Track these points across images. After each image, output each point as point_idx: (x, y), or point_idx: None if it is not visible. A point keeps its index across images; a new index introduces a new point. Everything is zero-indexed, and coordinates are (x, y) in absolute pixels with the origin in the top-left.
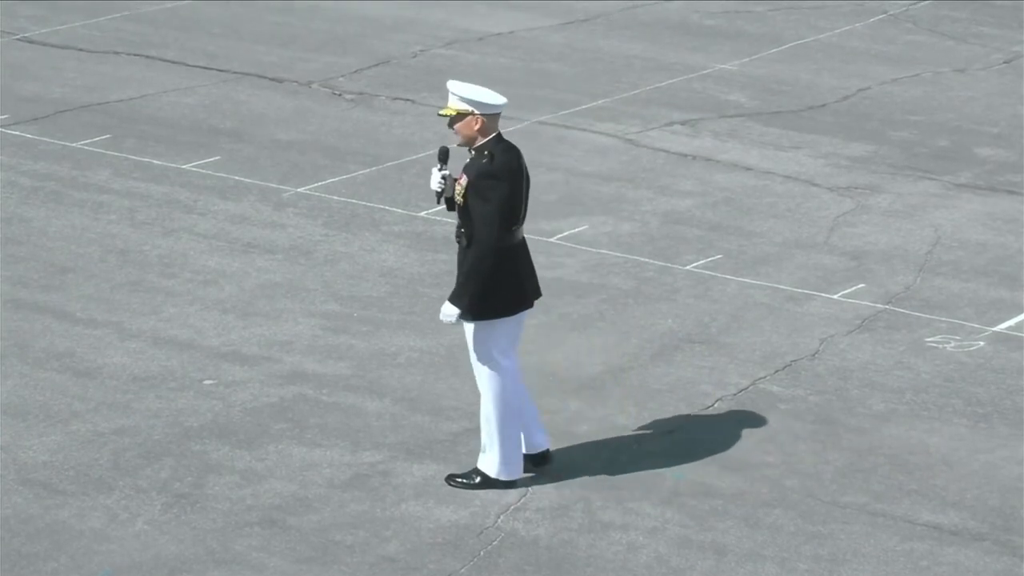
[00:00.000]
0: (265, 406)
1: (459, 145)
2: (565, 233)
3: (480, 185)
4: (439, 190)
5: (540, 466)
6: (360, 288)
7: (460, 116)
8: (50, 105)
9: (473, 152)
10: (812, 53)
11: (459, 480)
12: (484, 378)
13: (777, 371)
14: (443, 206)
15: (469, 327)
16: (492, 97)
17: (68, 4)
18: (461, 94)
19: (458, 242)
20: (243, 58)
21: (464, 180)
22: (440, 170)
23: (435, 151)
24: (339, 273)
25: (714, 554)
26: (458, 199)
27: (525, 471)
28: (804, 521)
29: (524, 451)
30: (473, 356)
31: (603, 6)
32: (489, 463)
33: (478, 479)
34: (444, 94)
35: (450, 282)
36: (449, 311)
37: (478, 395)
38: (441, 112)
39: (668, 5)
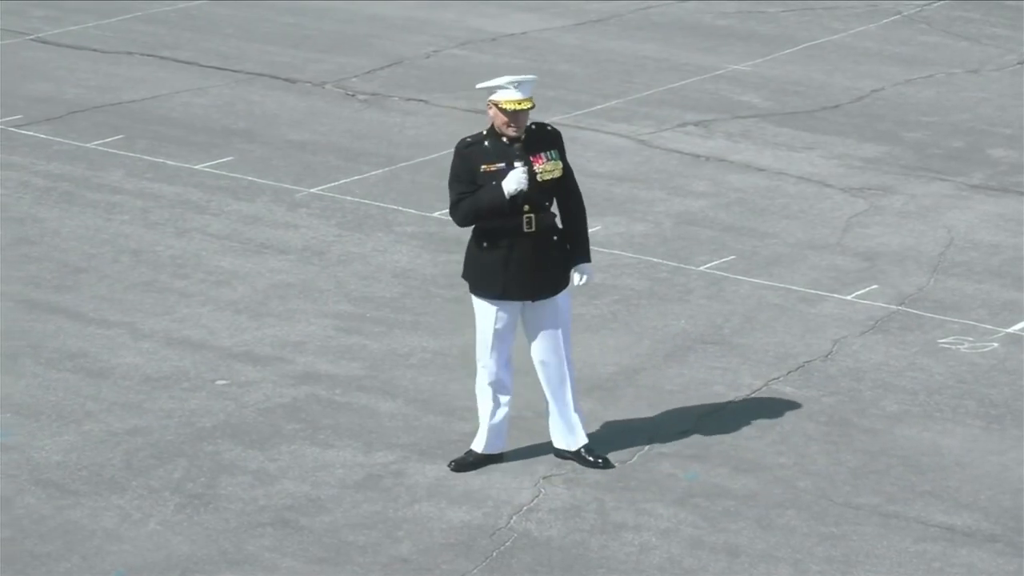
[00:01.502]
0: (278, 406)
1: (515, 134)
2: None
3: (563, 147)
4: (526, 187)
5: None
6: (373, 289)
7: (533, 105)
8: (63, 105)
9: (522, 136)
10: (825, 54)
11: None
12: (567, 350)
13: (790, 372)
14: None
15: (567, 298)
16: None
17: (81, 5)
18: (531, 81)
19: (527, 229)
20: (256, 59)
21: (543, 158)
22: (523, 167)
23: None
24: (352, 274)
25: (727, 555)
26: (555, 175)
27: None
28: (817, 522)
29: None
30: (565, 332)
31: (616, 7)
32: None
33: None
34: (457, 95)
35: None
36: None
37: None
38: (527, 106)
39: (681, 6)
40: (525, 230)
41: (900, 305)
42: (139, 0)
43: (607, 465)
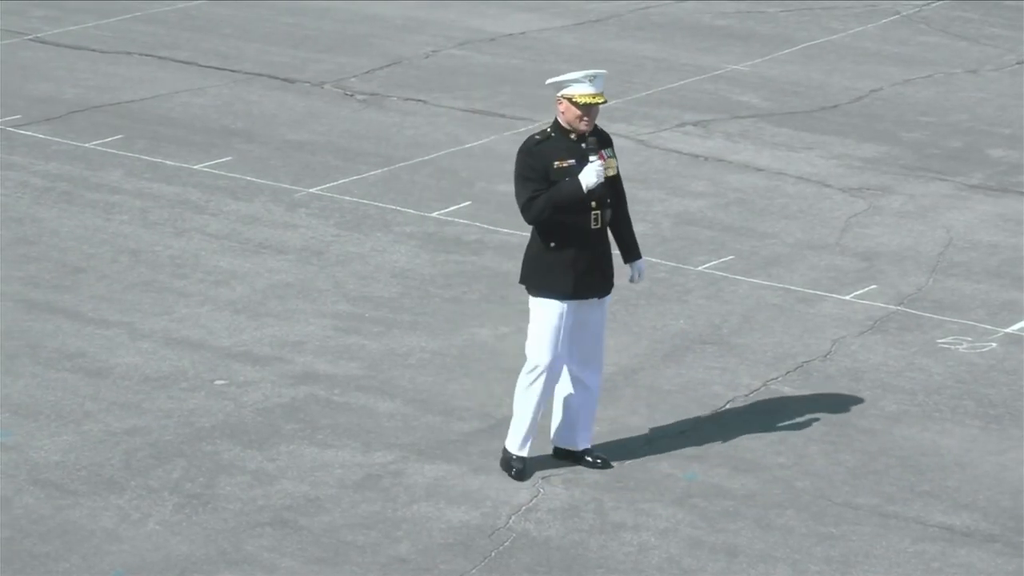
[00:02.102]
0: (276, 406)
1: (587, 128)
2: None
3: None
4: (603, 180)
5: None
6: (371, 289)
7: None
8: (62, 105)
9: (588, 135)
10: (824, 54)
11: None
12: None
13: (789, 372)
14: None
15: (607, 299)
16: None
17: (80, 5)
18: (604, 76)
19: (595, 225)
20: (255, 59)
21: (606, 155)
22: (600, 161)
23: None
24: (351, 274)
25: (726, 555)
26: (612, 172)
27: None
28: (816, 522)
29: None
30: (604, 332)
31: (615, 7)
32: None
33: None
34: (456, 95)
35: (461, 283)
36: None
37: (489, 396)
38: (600, 100)
39: (680, 6)
40: (593, 226)
41: (899, 305)
42: (138, 0)
43: (606, 465)
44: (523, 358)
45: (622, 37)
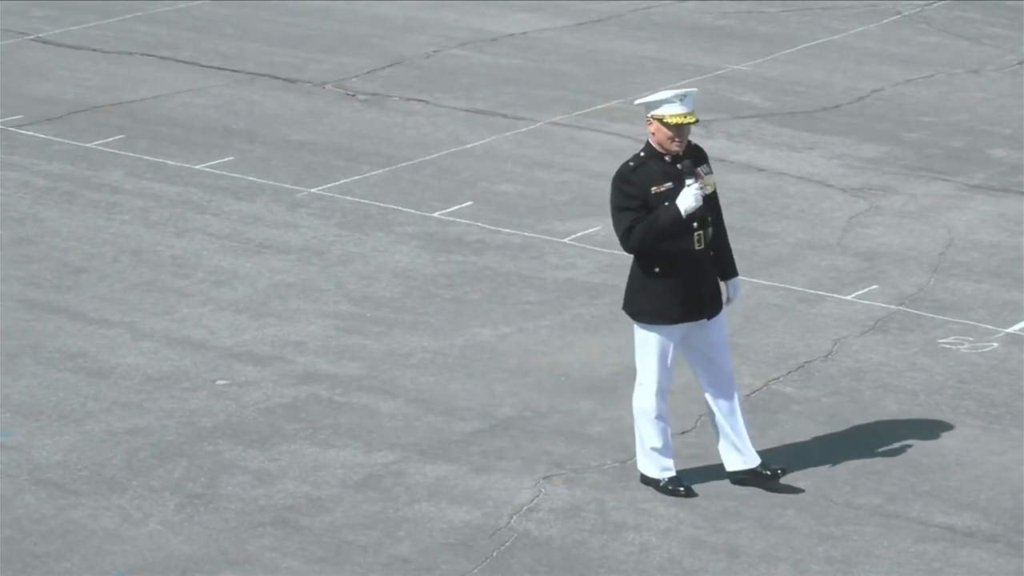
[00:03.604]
0: (278, 406)
1: (679, 149)
2: (578, 234)
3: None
4: (701, 204)
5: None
6: (373, 288)
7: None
8: (64, 105)
9: (682, 155)
10: (826, 54)
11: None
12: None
13: (790, 372)
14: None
15: (721, 317)
16: None
17: (82, 5)
18: (695, 95)
19: (698, 246)
20: (256, 59)
21: (703, 173)
22: (698, 184)
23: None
24: (352, 273)
25: (727, 555)
26: (711, 190)
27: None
28: (817, 522)
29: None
30: (728, 348)
31: (616, 7)
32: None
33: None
34: (457, 95)
35: (462, 283)
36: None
37: (491, 396)
38: (691, 120)
39: (681, 6)
40: (696, 247)
41: (900, 305)
42: (140, 0)
43: (784, 475)
44: (526, 359)
45: (623, 37)
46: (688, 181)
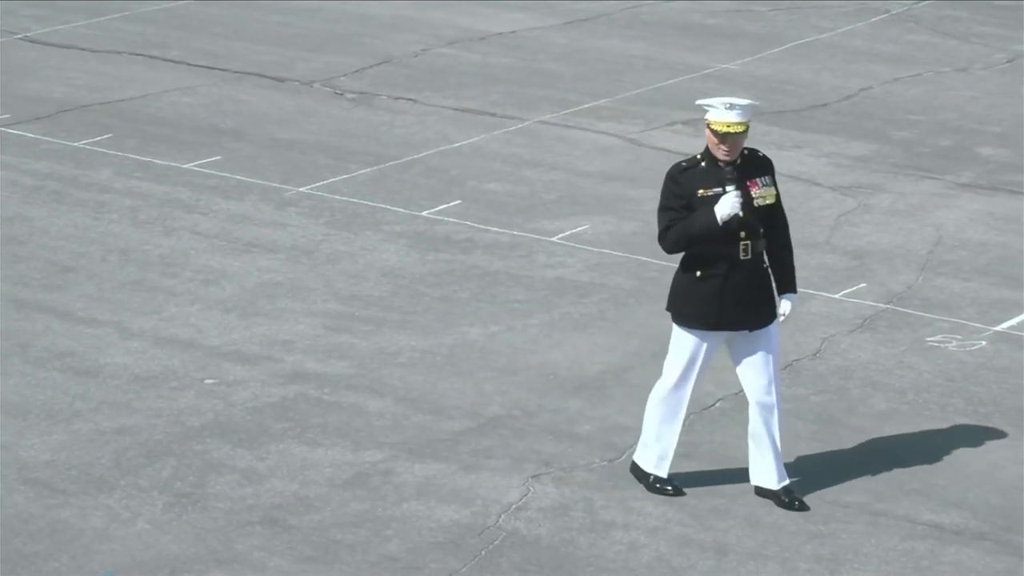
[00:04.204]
0: (266, 405)
1: (725, 156)
2: (567, 233)
3: (775, 176)
4: (739, 212)
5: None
6: (361, 287)
7: (747, 129)
8: (52, 104)
9: (739, 160)
10: (814, 53)
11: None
12: (778, 383)
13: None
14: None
15: (777, 327)
16: None
17: (70, 4)
18: (748, 106)
19: (744, 256)
20: (244, 58)
21: (758, 184)
22: (736, 191)
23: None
24: (340, 272)
25: (715, 554)
26: (768, 201)
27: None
28: (805, 521)
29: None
30: (777, 364)
31: (605, 6)
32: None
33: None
34: (446, 94)
35: (451, 282)
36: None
37: (479, 395)
38: (737, 129)
39: (670, 5)
40: (741, 257)
41: (889, 303)
42: (128, 0)
43: (803, 507)
44: (514, 357)
45: (611, 36)
46: (728, 188)
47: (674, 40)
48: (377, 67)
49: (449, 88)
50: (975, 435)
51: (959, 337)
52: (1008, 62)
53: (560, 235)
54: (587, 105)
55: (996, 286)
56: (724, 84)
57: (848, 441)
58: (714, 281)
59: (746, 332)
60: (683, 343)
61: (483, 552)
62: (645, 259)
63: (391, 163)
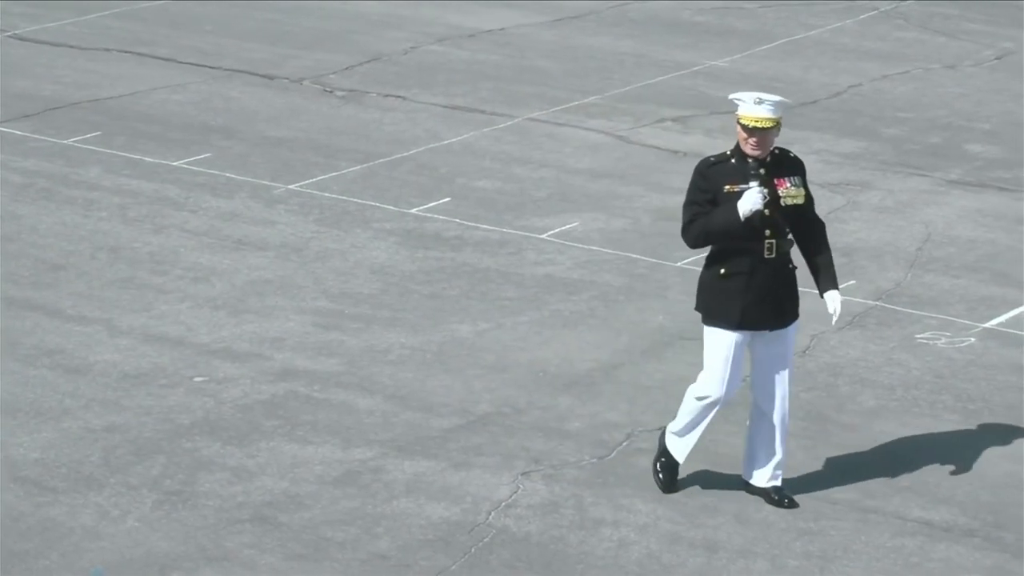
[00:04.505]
0: (256, 403)
1: (753, 152)
2: (556, 230)
3: (806, 176)
4: (760, 209)
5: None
6: (351, 285)
7: (777, 126)
8: (41, 102)
9: (769, 158)
10: (803, 50)
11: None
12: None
13: None
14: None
15: (795, 330)
16: None
17: (59, 2)
18: (779, 103)
19: (768, 255)
20: (234, 55)
21: (787, 183)
22: (760, 188)
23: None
24: (330, 270)
25: (705, 551)
26: (797, 201)
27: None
28: (795, 518)
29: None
30: (791, 365)
31: (594, 4)
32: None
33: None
34: (435, 91)
35: (440, 279)
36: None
37: (469, 392)
38: (766, 125)
39: (659, 3)
40: (766, 256)
41: (878, 300)
42: None
43: (793, 504)
44: (504, 355)
45: (600, 33)
46: (752, 184)
47: (663, 37)
48: (366, 64)
49: (438, 85)
50: (964, 432)
51: (948, 334)
52: (997, 59)
53: (550, 232)
54: (576, 102)
55: (985, 283)
56: (713, 81)
57: (837, 438)
58: (738, 279)
59: (766, 332)
60: (713, 338)
61: (473, 549)
62: (635, 256)
63: (381, 160)
